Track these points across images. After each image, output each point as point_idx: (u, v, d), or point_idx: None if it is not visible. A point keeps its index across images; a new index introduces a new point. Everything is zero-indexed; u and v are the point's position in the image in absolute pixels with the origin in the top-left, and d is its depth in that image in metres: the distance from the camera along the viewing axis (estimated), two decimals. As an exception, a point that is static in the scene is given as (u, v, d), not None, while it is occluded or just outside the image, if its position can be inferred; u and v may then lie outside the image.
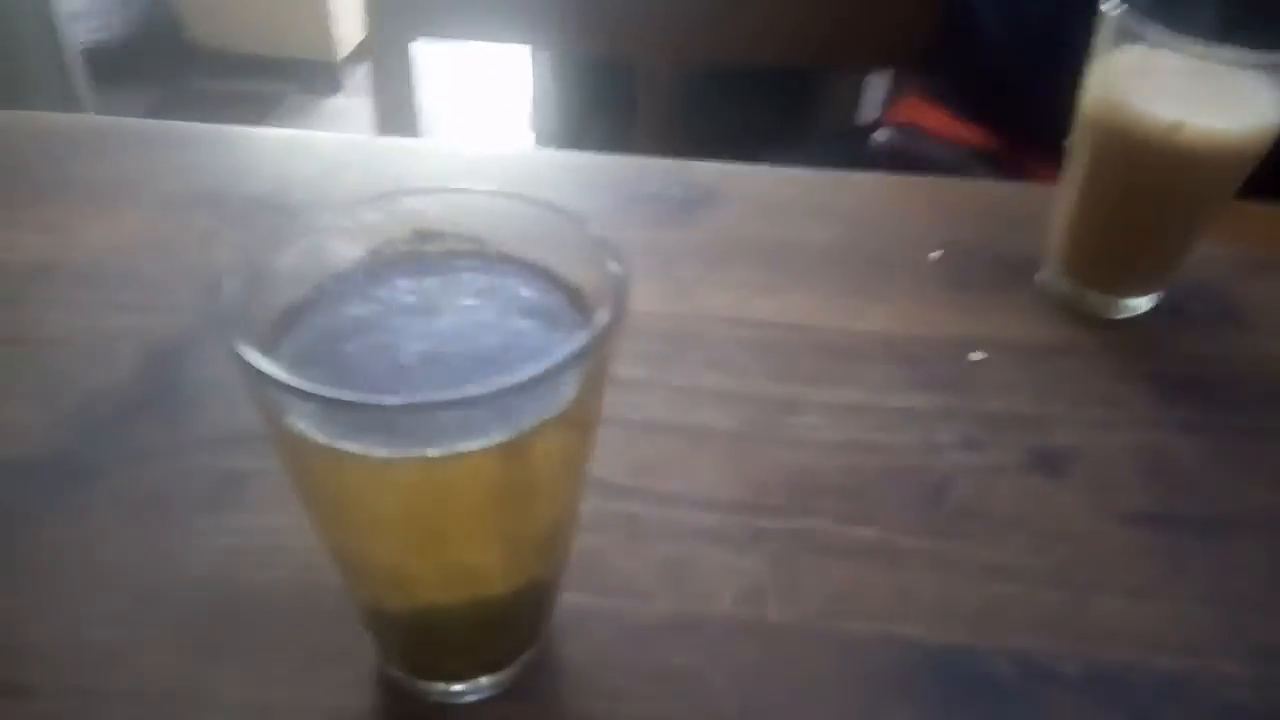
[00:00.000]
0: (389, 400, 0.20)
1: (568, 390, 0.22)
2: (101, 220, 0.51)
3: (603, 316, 0.23)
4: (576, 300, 0.25)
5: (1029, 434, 0.42)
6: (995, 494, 0.39)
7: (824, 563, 0.36)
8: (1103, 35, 0.43)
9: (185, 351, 0.43)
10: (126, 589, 0.34)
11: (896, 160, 0.83)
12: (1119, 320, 0.49)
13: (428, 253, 0.26)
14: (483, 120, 2.22)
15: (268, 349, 0.22)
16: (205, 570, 0.35)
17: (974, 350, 0.46)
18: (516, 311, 0.25)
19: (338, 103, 2.27)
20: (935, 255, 0.52)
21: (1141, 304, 0.48)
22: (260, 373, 0.20)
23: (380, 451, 0.21)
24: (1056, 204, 0.49)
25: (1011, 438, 0.42)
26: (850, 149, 0.95)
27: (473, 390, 0.20)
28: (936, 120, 0.88)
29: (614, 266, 0.24)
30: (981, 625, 0.34)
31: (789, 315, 0.48)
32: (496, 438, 0.21)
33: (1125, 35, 0.41)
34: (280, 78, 2.28)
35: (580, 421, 0.24)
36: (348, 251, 0.25)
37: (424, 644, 0.30)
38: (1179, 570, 0.37)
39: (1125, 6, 0.41)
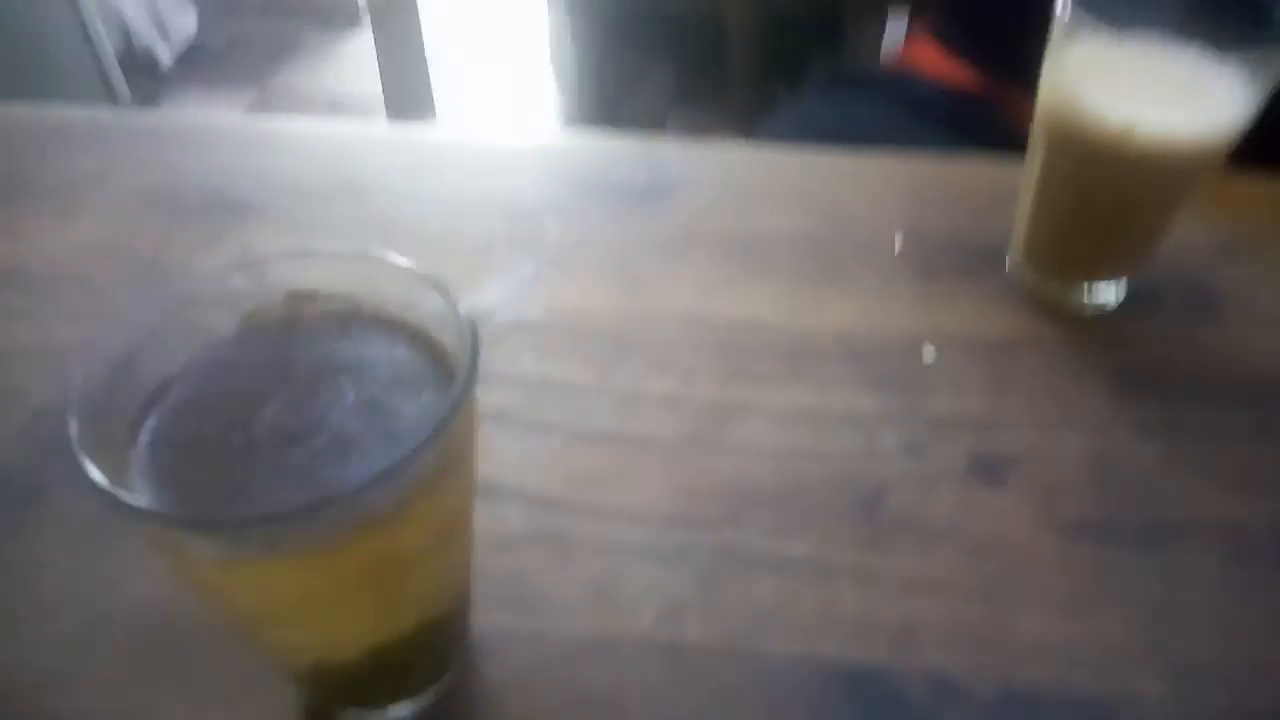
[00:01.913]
0: (208, 517, 0.20)
1: (421, 470, 0.23)
2: (56, 223, 0.52)
3: (454, 392, 0.23)
4: (443, 362, 0.25)
5: (973, 438, 0.41)
6: (931, 504, 0.39)
7: (749, 579, 0.37)
8: (1055, 31, 0.41)
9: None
10: (69, 614, 0.35)
11: (897, 100, 0.81)
12: (1088, 310, 0.47)
13: (301, 317, 0.26)
14: (497, 82, 2.19)
15: (132, 433, 0.23)
16: (145, 596, 0.36)
17: (931, 346, 0.45)
18: (383, 381, 0.25)
19: (354, 44, 2.26)
20: (899, 244, 0.51)
21: (1111, 292, 0.47)
22: (98, 488, 0.21)
23: (221, 551, 0.22)
24: (1020, 190, 0.47)
25: (954, 442, 0.41)
26: (859, 91, 0.93)
27: (289, 505, 0.20)
28: (936, 61, 0.86)
29: (467, 336, 0.24)
30: (901, 643, 0.35)
31: (744, 312, 0.47)
32: (345, 526, 0.22)
33: (1078, 30, 0.39)
34: (301, 16, 2.27)
35: (442, 491, 0.24)
36: (220, 320, 0.25)
37: (330, 690, 0.31)
38: (1111, 585, 0.36)
39: (1075, 8, 0.39)
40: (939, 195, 0.54)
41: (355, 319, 0.26)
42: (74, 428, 0.21)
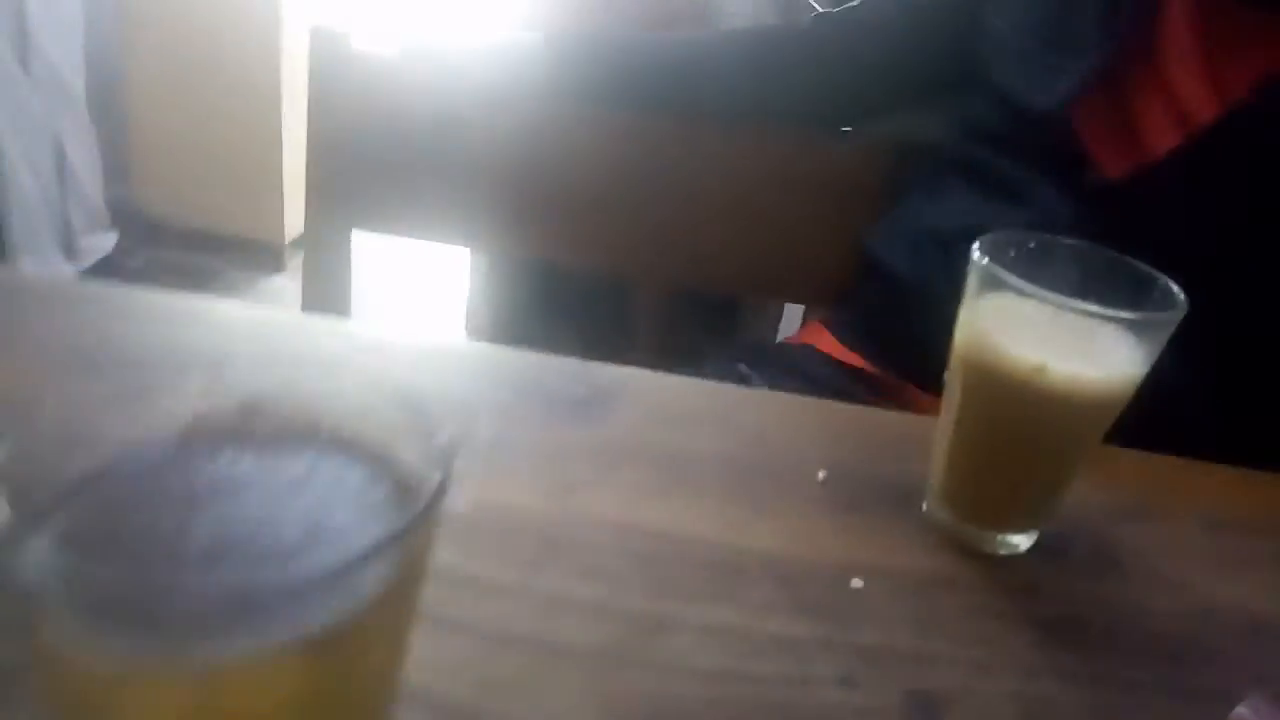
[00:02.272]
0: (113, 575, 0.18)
1: (366, 588, 0.20)
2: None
3: (413, 510, 0.21)
4: (404, 489, 0.24)
5: (907, 673, 0.40)
6: (866, 741, 0.37)
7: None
8: (970, 282, 0.45)
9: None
10: None
11: (792, 374, 0.86)
12: (1000, 556, 0.48)
13: (253, 428, 0.24)
14: (416, 312, 2.25)
15: (39, 519, 0.20)
16: None
17: (856, 576, 0.45)
18: (334, 500, 0.23)
19: (277, 282, 2.29)
20: (822, 476, 0.52)
21: (1021, 541, 0.49)
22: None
23: (141, 657, 0.19)
24: (936, 437, 0.50)
25: (889, 676, 0.40)
26: (761, 362, 0.99)
27: (215, 583, 0.18)
28: (831, 346, 0.93)
29: (440, 455, 0.22)
30: None
31: (674, 525, 0.47)
32: (276, 639, 0.19)
33: (991, 283, 0.44)
34: (225, 253, 2.30)
35: (383, 624, 0.22)
36: (166, 420, 0.23)
37: None
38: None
39: (990, 259, 0.44)
40: (858, 438, 0.56)
41: (310, 436, 0.24)
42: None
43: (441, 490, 0.22)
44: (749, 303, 1.36)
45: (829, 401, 0.59)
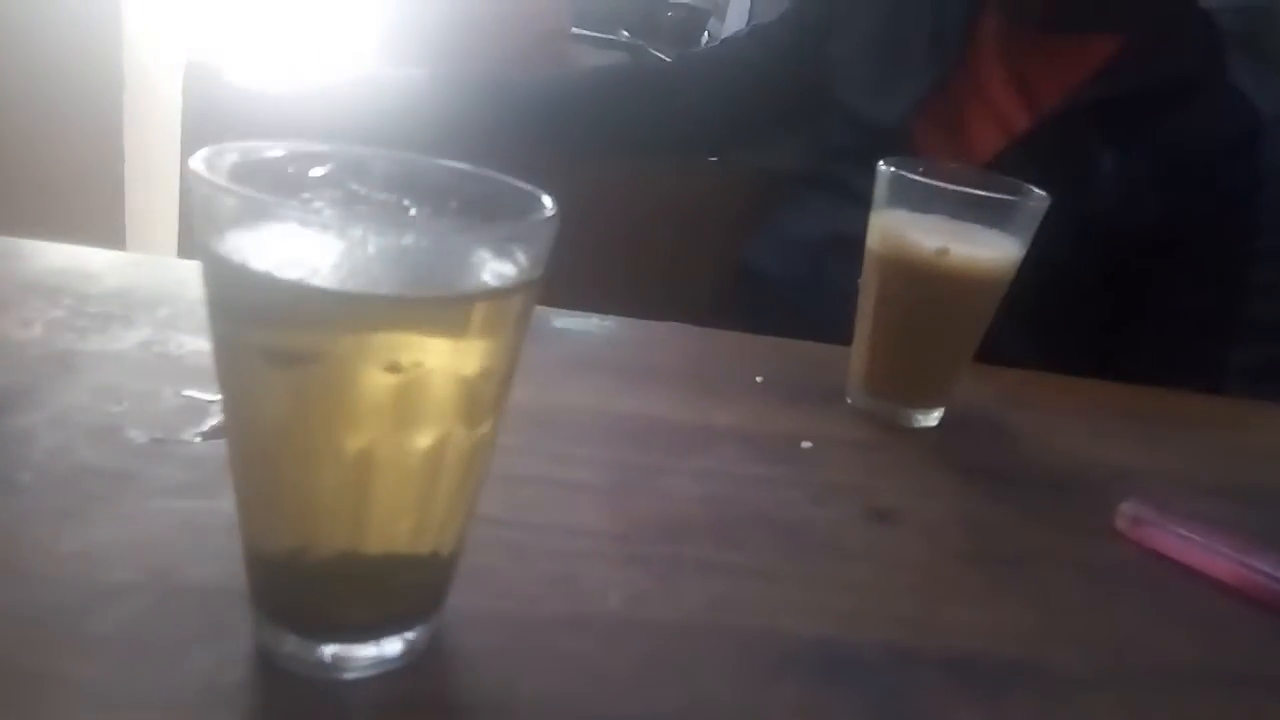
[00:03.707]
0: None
1: (511, 268, 0.25)
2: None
3: (545, 207, 0.27)
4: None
5: (862, 497, 0.47)
6: (843, 536, 0.43)
7: (701, 577, 0.38)
8: (879, 193, 0.55)
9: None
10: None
11: None
12: (915, 429, 0.57)
13: (355, 211, 0.29)
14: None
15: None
16: (54, 572, 0.31)
17: (805, 441, 0.52)
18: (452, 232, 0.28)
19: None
20: (760, 379, 0.59)
21: (930, 418, 0.57)
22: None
23: (317, 280, 0.23)
24: (855, 336, 0.58)
25: (847, 498, 0.47)
26: None
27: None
28: None
29: (545, 198, 0.28)
30: (849, 623, 0.37)
31: (642, 410, 0.52)
32: (431, 292, 0.24)
33: (897, 189, 0.53)
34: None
35: (514, 314, 0.27)
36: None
37: (327, 587, 0.28)
38: (1003, 590, 0.41)
39: (894, 169, 0.53)
40: (785, 357, 0.64)
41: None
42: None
43: (554, 219, 0.27)
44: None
45: (754, 335, 0.67)
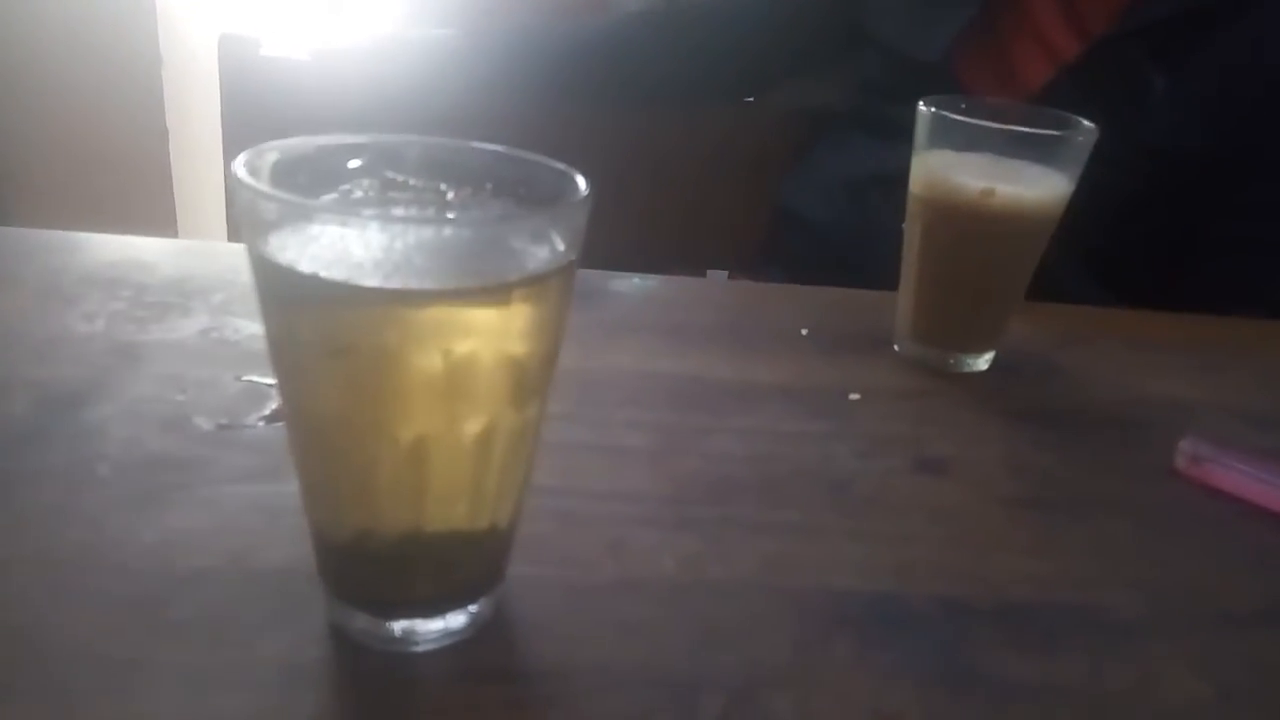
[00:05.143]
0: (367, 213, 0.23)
1: (543, 256, 0.26)
2: None
3: (579, 187, 0.27)
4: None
5: (909, 448, 0.47)
6: (891, 488, 0.44)
7: (752, 537, 0.39)
8: (919, 135, 0.53)
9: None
10: (47, 587, 0.31)
11: None
12: (965, 374, 0.56)
13: (394, 198, 0.29)
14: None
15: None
16: (136, 562, 0.33)
17: (851, 393, 0.52)
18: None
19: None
20: (805, 332, 0.59)
21: (980, 363, 0.56)
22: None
23: (362, 280, 0.24)
24: (901, 284, 0.57)
25: (895, 450, 0.47)
26: None
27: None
28: None
29: (578, 178, 0.28)
30: (901, 577, 0.37)
31: (686, 371, 0.52)
32: (474, 281, 0.24)
33: (938, 130, 0.52)
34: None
35: (555, 296, 0.27)
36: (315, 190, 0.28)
37: (392, 566, 0.29)
38: (1056, 536, 0.41)
39: (934, 109, 0.52)
40: (830, 307, 0.63)
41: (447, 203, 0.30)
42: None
43: (588, 198, 0.27)
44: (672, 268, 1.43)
45: (797, 286, 0.66)
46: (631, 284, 0.63)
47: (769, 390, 0.51)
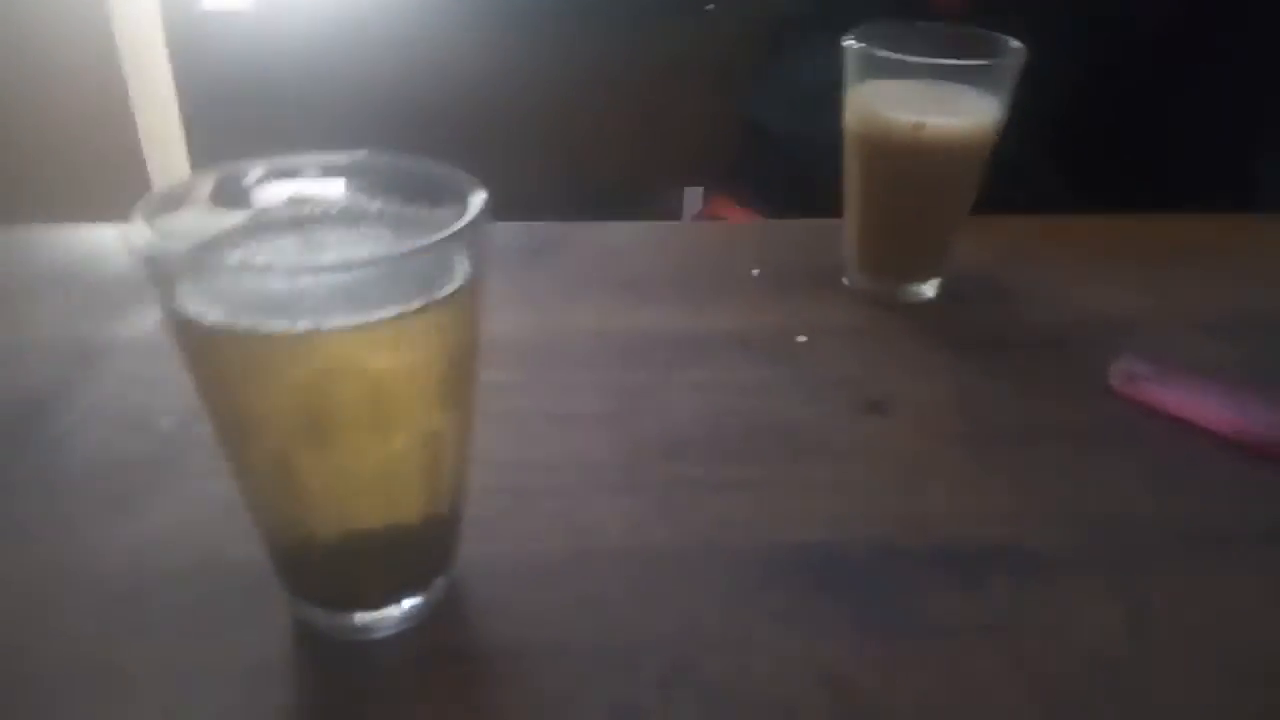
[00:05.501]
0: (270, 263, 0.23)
1: (448, 276, 0.27)
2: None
3: (477, 201, 0.28)
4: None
5: (857, 389, 0.48)
6: (836, 434, 0.45)
7: (698, 498, 0.41)
8: (849, 69, 0.53)
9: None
10: (24, 596, 0.33)
11: None
12: (913, 304, 0.57)
13: (304, 215, 0.30)
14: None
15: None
16: (108, 566, 0.35)
17: (800, 335, 0.53)
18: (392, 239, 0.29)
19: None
20: (756, 273, 0.59)
21: (927, 290, 0.57)
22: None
23: (270, 327, 0.25)
24: (845, 217, 0.58)
25: (842, 392, 0.48)
26: None
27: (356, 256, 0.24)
28: (735, 214, 1.01)
29: (476, 191, 0.28)
30: (838, 526, 0.39)
31: (638, 325, 0.53)
32: (381, 314, 0.25)
33: (867, 64, 0.52)
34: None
35: (464, 313, 0.28)
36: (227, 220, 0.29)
37: (339, 566, 0.31)
38: (991, 472, 0.43)
39: (862, 44, 0.52)
40: (782, 243, 0.64)
41: (357, 213, 0.30)
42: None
43: (486, 211, 0.28)
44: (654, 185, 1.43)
45: (748, 224, 0.67)
46: (582, 235, 0.64)
47: (720, 339, 0.52)
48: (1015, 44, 0.52)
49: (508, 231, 0.63)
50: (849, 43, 0.52)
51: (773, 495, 0.41)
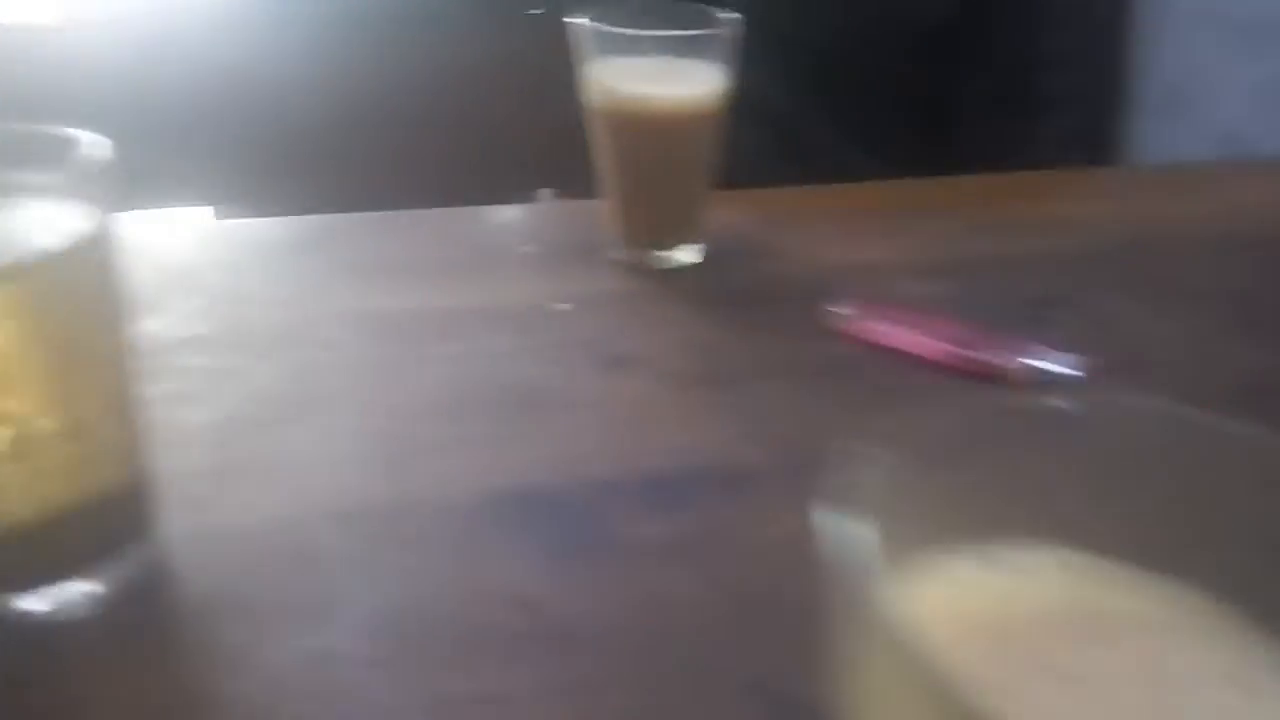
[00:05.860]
0: None
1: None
2: None
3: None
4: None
5: (604, 348, 0.51)
6: (576, 389, 0.47)
7: (425, 458, 0.42)
8: (581, 46, 0.56)
9: None
10: None
11: None
12: (676, 271, 0.60)
13: None
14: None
15: None
16: None
17: (566, 304, 0.55)
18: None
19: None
20: (525, 249, 0.61)
21: (687, 255, 0.60)
22: None
23: None
24: (605, 190, 0.60)
25: (588, 352, 0.50)
26: None
27: None
28: None
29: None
30: (557, 469, 0.41)
31: (397, 304, 0.54)
32: None
33: (597, 43, 0.54)
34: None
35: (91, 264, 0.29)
36: None
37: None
38: (714, 410, 0.46)
39: (590, 21, 0.54)
40: (557, 222, 0.66)
41: None
42: None
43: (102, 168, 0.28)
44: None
45: (525, 206, 0.68)
46: (361, 225, 0.64)
47: (479, 314, 0.54)
48: (732, 15, 0.55)
49: (275, 226, 0.63)
50: (578, 21, 0.55)
51: (501, 449, 0.43)
